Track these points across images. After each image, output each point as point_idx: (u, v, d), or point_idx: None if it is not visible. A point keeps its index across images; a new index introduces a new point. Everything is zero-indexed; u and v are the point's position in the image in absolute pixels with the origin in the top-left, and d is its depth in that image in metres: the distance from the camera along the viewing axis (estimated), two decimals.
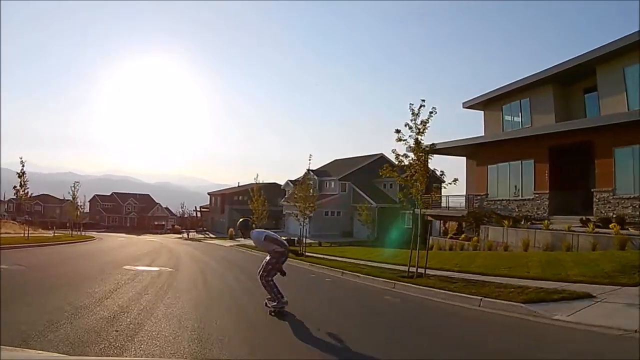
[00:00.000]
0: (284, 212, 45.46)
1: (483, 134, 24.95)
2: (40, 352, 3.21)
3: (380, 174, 10.91)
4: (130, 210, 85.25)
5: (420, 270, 10.15)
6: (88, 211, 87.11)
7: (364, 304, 7.90)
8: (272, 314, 6.08)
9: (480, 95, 25.35)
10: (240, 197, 50.17)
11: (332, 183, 41.44)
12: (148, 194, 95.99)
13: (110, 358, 3.89)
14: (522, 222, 18.57)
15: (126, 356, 3.98)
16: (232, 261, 15.89)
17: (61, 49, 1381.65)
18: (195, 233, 52.73)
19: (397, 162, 10.16)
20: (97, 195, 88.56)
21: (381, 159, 44.44)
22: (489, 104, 25.07)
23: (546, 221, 16.89)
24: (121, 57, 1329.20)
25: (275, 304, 6.18)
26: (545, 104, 21.82)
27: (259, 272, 6.30)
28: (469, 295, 7.92)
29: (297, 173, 42.01)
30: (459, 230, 35.49)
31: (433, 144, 10.21)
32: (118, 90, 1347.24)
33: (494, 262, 12.50)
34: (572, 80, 21.03)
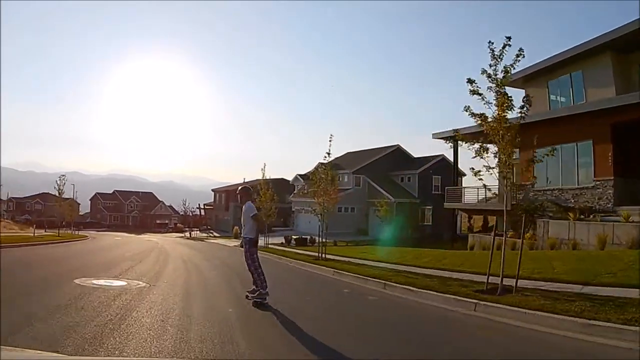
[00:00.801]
0: (293, 209, 42.37)
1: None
2: (40, 352, 2.97)
3: (456, 138, 7.64)
4: (132, 209, 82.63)
5: (507, 283, 6.92)
6: (89, 210, 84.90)
7: (459, 352, 4.58)
8: (254, 305, 6.13)
9: (520, 70, 21.90)
10: None
11: (346, 177, 37.82)
12: (151, 192, 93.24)
13: (110, 358, 3.69)
14: (586, 215, 15.40)
15: (126, 356, 3.72)
16: (233, 266, 12.63)
17: (61, 49, 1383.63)
18: (198, 232, 49.92)
19: (475, 121, 6.95)
20: (99, 193, 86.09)
21: (397, 150, 41.42)
22: (531, 79, 21.67)
23: (625, 212, 13.63)
24: (122, 57, 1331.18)
25: (255, 295, 6.31)
26: (602, 75, 18.52)
27: (246, 261, 6.62)
28: (619, 326, 4.78)
29: (298, 171, 38.88)
30: (485, 226, 32.36)
31: (528, 97, 6.91)
32: (120, 90, 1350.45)
33: (584, 266, 9.26)
34: (631, 48, 17.83)
